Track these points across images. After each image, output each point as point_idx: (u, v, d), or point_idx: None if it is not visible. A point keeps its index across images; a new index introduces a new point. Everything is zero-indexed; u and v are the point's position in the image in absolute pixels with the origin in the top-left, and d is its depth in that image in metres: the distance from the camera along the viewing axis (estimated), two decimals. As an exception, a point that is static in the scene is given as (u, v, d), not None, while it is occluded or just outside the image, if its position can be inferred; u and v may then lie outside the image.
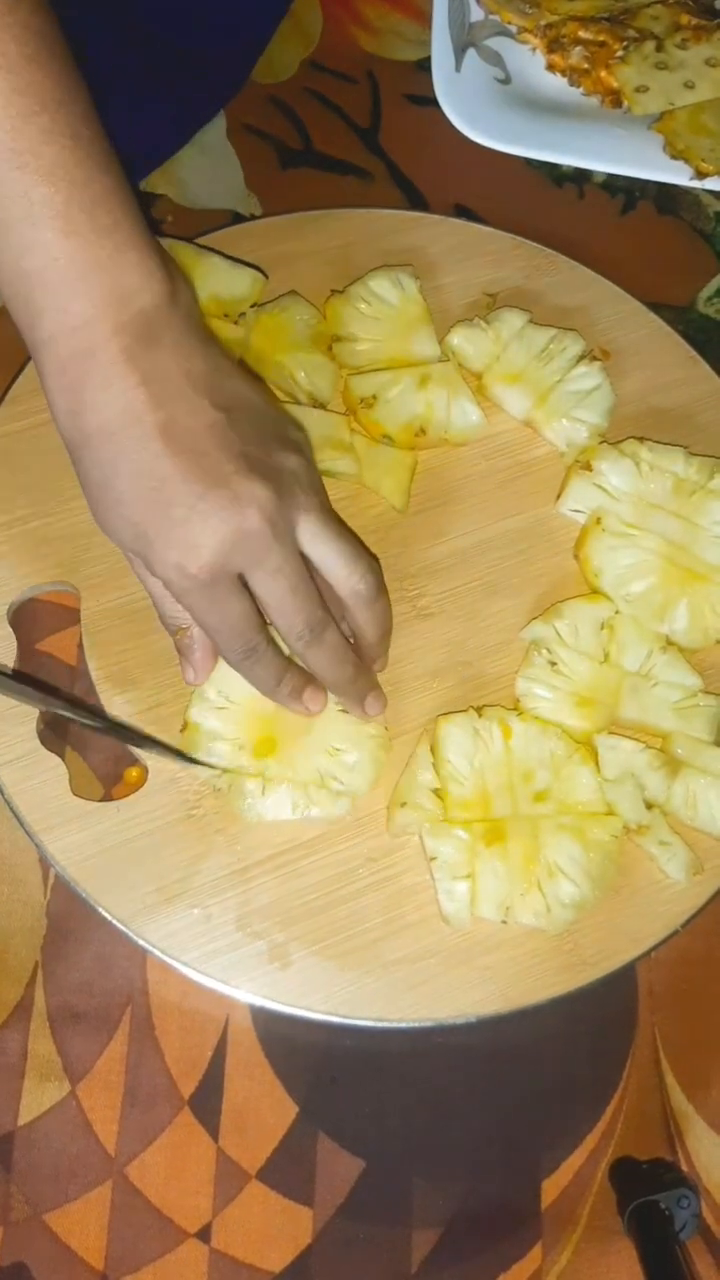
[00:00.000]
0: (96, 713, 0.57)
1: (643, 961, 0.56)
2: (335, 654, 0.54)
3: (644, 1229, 0.50)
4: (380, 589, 0.55)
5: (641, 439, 0.63)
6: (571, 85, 0.75)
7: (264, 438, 0.51)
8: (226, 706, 0.56)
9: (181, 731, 0.56)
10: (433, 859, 0.54)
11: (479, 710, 0.57)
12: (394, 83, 0.77)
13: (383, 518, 0.63)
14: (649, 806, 0.56)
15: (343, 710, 0.56)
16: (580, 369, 0.64)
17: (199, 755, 0.55)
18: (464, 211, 0.73)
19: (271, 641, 0.53)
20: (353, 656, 0.55)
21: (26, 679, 0.57)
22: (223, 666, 0.56)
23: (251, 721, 0.56)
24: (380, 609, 0.55)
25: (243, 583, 0.51)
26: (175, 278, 0.50)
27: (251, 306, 0.64)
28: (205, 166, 0.73)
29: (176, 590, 0.50)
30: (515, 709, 0.58)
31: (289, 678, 0.54)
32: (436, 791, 0.55)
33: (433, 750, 0.56)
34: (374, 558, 0.55)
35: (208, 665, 0.56)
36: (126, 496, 0.48)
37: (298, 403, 0.62)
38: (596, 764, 0.56)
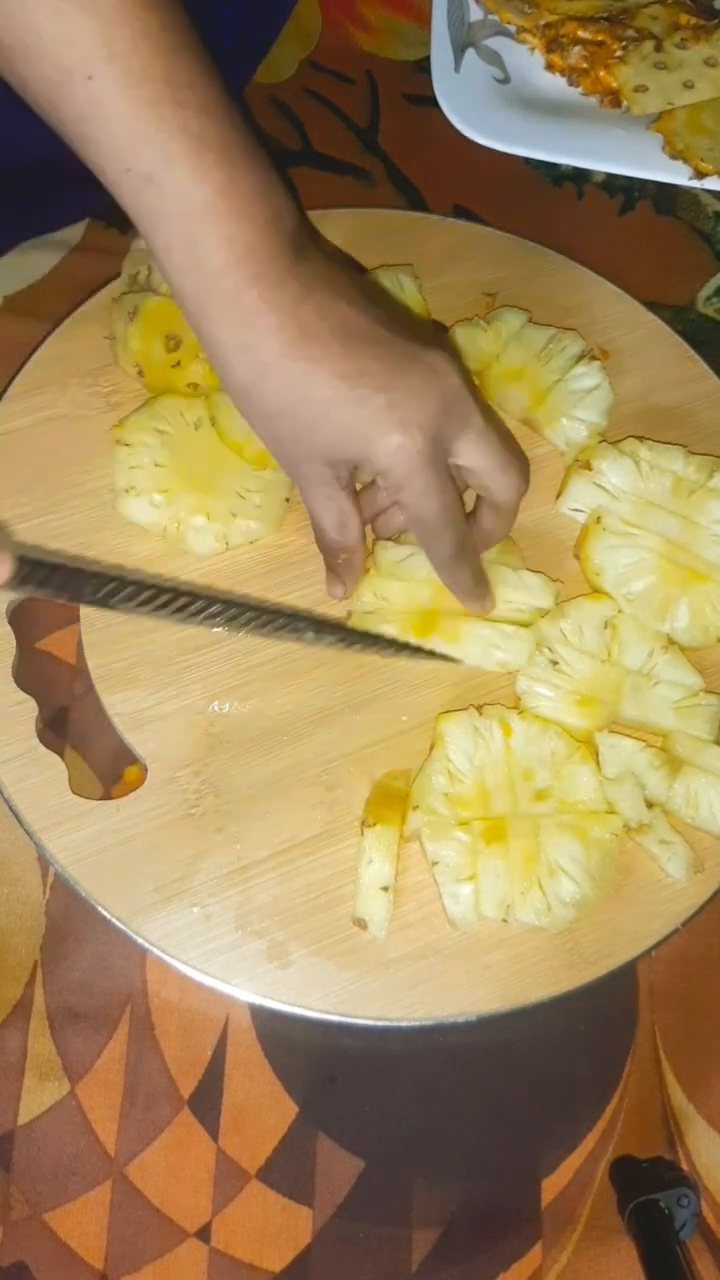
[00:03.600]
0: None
1: (643, 960, 0.56)
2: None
3: (644, 1228, 0.50)
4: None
5: (641, 438, 0.63)
6: (570, 85, 0.75)
7: (414, 324, 0.53)
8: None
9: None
10: (434, 863, 0.54)
11: (479, 709, 0.57)
12: (393, 83, 0.77)
13: (382, 517, 0.63)
14: (650, 805, 0.56)
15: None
16: (579, 368, 0.64)
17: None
18: (463, 211, 0.73)
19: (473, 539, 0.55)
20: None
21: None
22: None
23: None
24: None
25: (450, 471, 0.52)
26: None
27: (251, 305, 0.64)
28: (204, 166, 0.73)
29: (400, 479, 0.50)
30: (516, 708, 0.58)
31: (483, 578, 0.56)
32: (449, 796, 0.55)
33: (432, 748, 0.56)
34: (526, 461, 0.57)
35: (355, 584, 0.58)
36: (329, 404, 0.49)
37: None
38: (597, 762, 0.56)
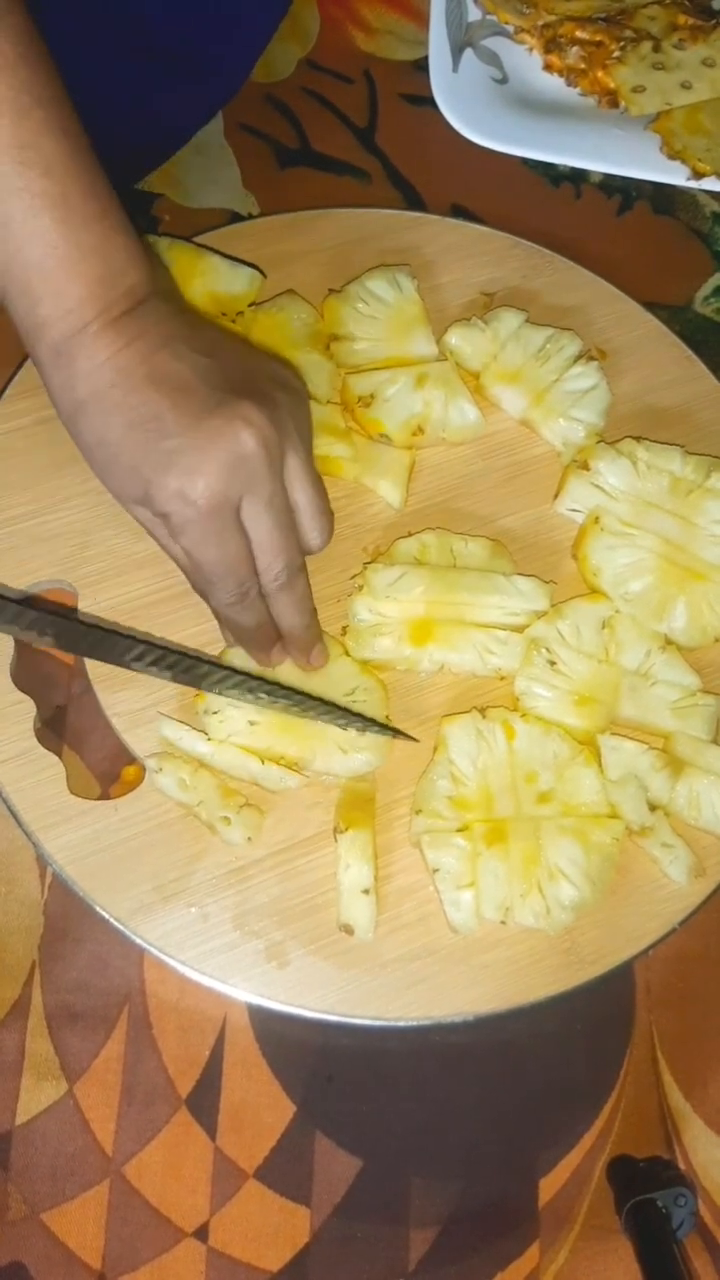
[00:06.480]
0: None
1: (640, 960, 0.56)
2: (304, 599, 0.55)
3: (641, 1227, 0.51)
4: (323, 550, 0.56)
5: (638, 438, 0.63)
6: (568, 85, 0.76)
7: (253, 376, 0.52)
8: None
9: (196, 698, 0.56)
10: (435, 870, 0.54)
11: (483, 711, 0.57)
12: (391, 82, 0.77)
13: (380, 516, 0.63)
14: (652, 808, 0.56)
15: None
16: (577, 368, 0.64)
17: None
18: (461, 211, 0.73)
19: (259, 587, 0.53)
20: (312, 604, 0.56)
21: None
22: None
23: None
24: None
25: (239, 521, 0.51)
26: (154, 261, 0.53)
27: (249, 305, 0.64)
28: (203, 166, 0.73)
29: (177, 524, 0.50)
30: (515, 709, 0.58)
31: (266, 627, 0.55)
32: (452, 799, 0.55)
33: (434, 751, 0.56)
34: (332, 515, 0.56)
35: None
36: (124, 445, 0.49)
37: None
38: (600, 765, 0.56)
